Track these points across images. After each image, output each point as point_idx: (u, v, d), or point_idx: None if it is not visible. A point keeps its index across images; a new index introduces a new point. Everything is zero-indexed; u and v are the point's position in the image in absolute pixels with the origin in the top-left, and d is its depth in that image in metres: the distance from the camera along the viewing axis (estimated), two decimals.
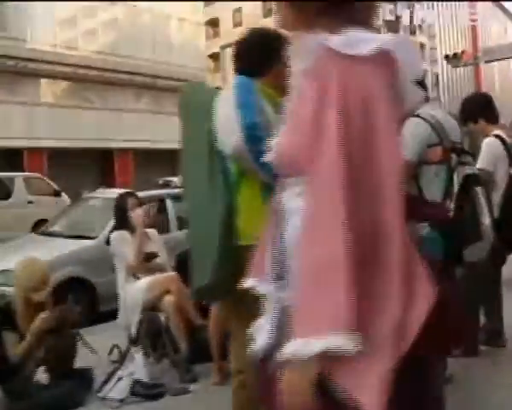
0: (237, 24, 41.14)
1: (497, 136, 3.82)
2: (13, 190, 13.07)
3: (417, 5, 47.16)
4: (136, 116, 25.15)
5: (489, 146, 3.78)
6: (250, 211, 2.03)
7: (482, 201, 2.89)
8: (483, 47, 33.03)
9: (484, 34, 53.73)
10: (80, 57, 23.33)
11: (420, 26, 47.88)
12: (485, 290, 3.97)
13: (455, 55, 24.52)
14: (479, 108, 3.96)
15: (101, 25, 25.56)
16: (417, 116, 2.93)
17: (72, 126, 22.09)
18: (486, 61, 21.86)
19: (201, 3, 31.00)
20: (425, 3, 48.70)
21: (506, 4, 61.39)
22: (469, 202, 2.81)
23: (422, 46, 47.88)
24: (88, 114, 23.49)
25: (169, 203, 6.57)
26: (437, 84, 49.37)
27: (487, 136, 3.85)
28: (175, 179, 14.66)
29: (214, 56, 36.01)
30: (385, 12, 44.92)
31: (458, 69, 45.51)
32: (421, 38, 47.73)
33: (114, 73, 24.30)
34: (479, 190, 2.89)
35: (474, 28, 54.20)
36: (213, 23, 42.11)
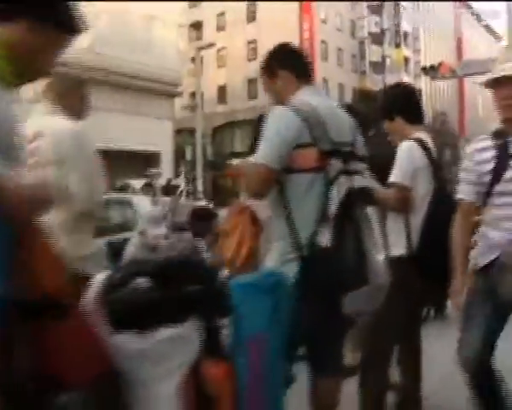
0: (221, 28, 40.69)
1: (417, 139, 2.94)
2: None
3: (403, 18, 47.06)
4: (109, 116, 24.50)
5: (406, 153, 2.88)
6: None
7: (374, 227, 2.15)
8: (462, 61, 32.75)
9: (469, 51, 53.80)
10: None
11: (405, 40, 47.72)
12: (393, 342, 2.98)
13: (432, 67, 23.85)
14: (396, 103, 3.08)
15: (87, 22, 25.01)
16: (286, 105, 2.20)
17: None
18: (465, 75, 21.47)
19: (185, 5, 30.48)
20: (411, 17, 48.61)
21: (492, 24, 61.78)
22: (352, 229, 2.06)
23: (407, 60, 47.73)
24: None
25: None
26: (420, 98, 49.15)
27: (406, 138, 2.94)
28: (134, 182, 13.97)
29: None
30: (370, 24, 44.75)
31: (442, 84, 45.38)
32: (405, 51, 47.57)
33: (90, 71, 23.66)
34: (370, 211, 2.16)
35: (459, 45, 54.34)
36: (197, 26, 41.58)
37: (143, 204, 6.70)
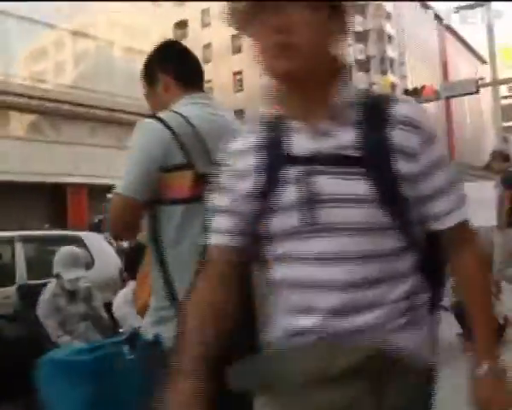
0: (207, 60, 40.83)
1: None
2: None
3: (388, 45, 47.41)
4: (94, 151, 24.28)
5: None
6: None
7: None
8: (443, 83, 32.68)
9: (455, 75, 54.12)
10: (44, 90, 22.47)
11: (391, 66, 47.97)
12: None
13: (415, 89, 23.68)
14: None
15: (71, 57, 24.96)
16: (154, 117, 1.75)
17: (24, 160, 21.08)
18: (448, 97, 21.14)
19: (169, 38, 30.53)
20: (396, 45, 48.98)
21: (474, 45, 62.14)
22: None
23: (394, 86, 47.87)
24: (44, 147, 22.55)
25: (19, 247, 5.52)
26: None
27: None
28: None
29: None
30: (356, 52, 44.96)
31: (429, 107, 45.40)
32: (392, 77, 47.77)
33: (72, 106, 23.52)
34: None
35: (445, 69, 54.67)
36: None
37: (95, 240, 6.26)
